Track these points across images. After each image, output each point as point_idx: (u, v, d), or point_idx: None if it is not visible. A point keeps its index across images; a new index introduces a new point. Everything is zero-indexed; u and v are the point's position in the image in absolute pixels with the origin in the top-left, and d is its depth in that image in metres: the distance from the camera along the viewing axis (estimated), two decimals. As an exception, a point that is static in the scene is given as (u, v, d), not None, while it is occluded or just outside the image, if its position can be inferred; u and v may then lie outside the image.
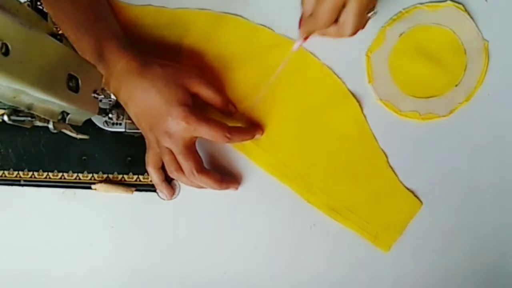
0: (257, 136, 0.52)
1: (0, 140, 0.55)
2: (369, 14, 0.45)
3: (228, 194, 0.54)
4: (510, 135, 0.53)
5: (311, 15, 0.44)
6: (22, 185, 0.54)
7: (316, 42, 0.49)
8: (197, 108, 0.47)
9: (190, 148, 0.48)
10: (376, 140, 0.53)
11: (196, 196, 0.54)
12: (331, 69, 0.54)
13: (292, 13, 0.48)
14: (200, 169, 0.48)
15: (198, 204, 0.54)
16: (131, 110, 0.48)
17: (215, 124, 0.47)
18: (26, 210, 0.54)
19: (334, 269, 0.54)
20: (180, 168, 0.48)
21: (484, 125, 0.53)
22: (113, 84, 0.47)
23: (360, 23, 0.44)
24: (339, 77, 0.53)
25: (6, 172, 0.54)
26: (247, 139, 0.51)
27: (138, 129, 0.53)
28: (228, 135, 0.47)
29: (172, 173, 0.49)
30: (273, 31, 0.54)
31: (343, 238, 0.53)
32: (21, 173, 0.54)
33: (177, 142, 0.46)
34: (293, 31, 0.52)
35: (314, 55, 0.54)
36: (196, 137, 0.48)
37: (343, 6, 0.42)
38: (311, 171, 0.53)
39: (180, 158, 0.47)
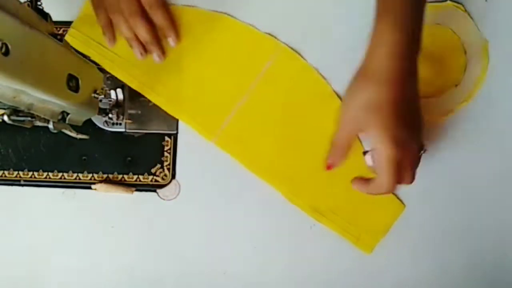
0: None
1: (0, 140, 0.55)
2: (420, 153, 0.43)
3: (228, 194, 0.54)
4: (510, 135, 0.53)
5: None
6: (22, 185, 0.54)
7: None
8: None
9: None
10: (361, 142, 0.53)
11: (196, 196, 0.54)
12: (320, 70, 0.53)
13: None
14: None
15: (198, 204, 0.54)
16: None
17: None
18: (26, 210, 0.54)
19: (334, 269, 0.54)
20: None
21: (484, 125, 0.53)
22: None
23: (396, 172, 0.40)
24: (327, 78, 0.53)
25: (6, 172, 0.54)
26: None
27: (138, 129, 0.53)
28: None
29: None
30: (259, 30, 0.54)
31: (343, 238, 0.53)
32: (21, 173, 0.54)
33: None
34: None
35: (300, 55, 0.54)
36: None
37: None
38: (295, 173, 0.53)
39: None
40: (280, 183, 0.53)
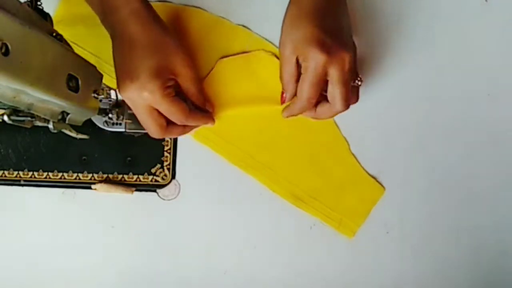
0: (209, 124, 0.52)
1: (0, 140, 0.55)
2: (355, 83, 0.47)
3: (228, 194, 0.54)
4: (510, 135, 0.53)
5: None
6: (22, 185, 0.54)
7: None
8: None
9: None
10: (338, 127, 0.54)
11: (196, 196, 0.54)
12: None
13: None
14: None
15: (198, 204, 0.54)
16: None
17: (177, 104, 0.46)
18: (26, 210, 0.54)
19: (334, 269, 0.54)
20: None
21: (484, 125, 0.53)
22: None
23: (347, 93, 0.44)
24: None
25: (6, 172, 0.54)
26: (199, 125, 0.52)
27: (138, 129, 0.53)
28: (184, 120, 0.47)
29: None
30: (230, 21, 0.54)
31: (343, 238, 0.53)
32: (21, 173, 0.54)
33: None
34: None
35: (274, 45, 0.54)
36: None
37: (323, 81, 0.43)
38: (275, 161, 0.54)
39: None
40: (260, 171, 0.54)
